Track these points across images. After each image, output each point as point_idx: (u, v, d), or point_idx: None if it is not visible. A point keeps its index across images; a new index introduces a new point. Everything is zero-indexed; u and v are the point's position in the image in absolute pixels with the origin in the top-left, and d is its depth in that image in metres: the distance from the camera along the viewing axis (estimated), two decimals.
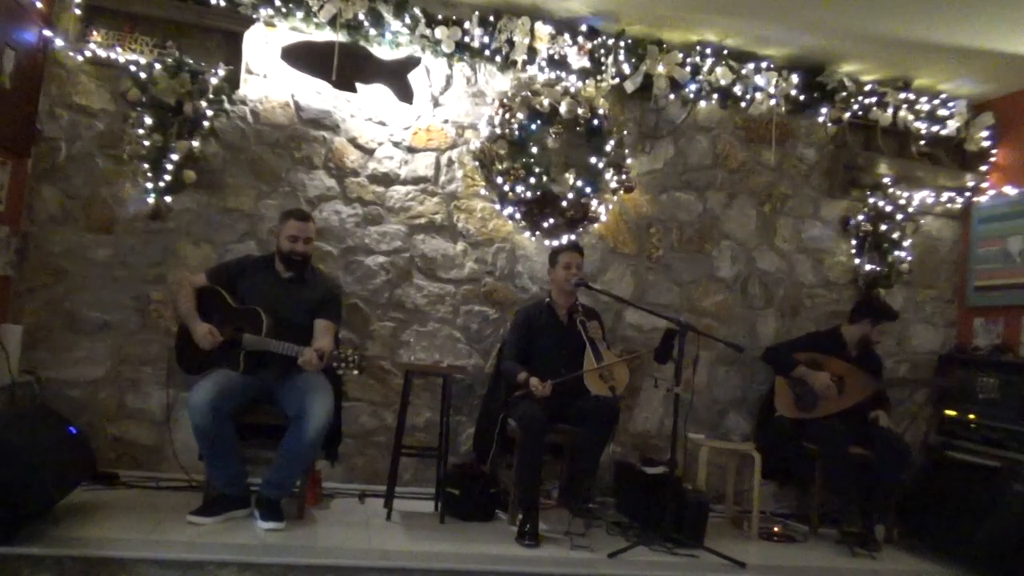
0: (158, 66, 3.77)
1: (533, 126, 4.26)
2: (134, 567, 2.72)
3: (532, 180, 4.20)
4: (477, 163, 4.36)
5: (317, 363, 3.25)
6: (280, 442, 3.32)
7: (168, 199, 3.91)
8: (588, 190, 4.30)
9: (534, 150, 4.26)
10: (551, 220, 4.34)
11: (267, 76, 4.12)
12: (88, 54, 3.83)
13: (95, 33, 3.83)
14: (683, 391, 3.63)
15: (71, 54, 3.84)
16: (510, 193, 4.24)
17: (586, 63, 4.39)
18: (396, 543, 3.25)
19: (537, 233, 4.41)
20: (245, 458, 3.38)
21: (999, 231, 4.83)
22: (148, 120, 3.77)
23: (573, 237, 4.40)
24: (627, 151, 4.50)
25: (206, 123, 3.89)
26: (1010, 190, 4.80)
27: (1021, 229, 4.68)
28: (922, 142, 4.94)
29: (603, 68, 4.42)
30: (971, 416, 4.53)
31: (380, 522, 3.53)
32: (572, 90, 4.33)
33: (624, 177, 4.45)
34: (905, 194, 4.89)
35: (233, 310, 3.44)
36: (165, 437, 3.89)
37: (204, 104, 3.84)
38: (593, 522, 3.68)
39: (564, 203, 4.29)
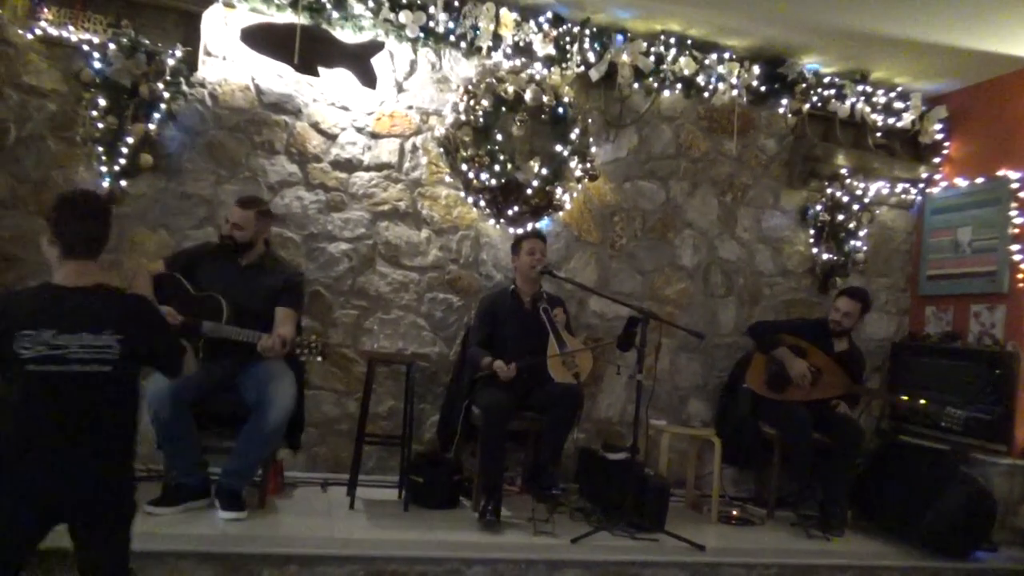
0: (112, 46, 3.67)
1: (498, 113, 4.25)
2: None
3: (497, 168, 4.19)
4: (441, 150, 4.33)
5: (279, 349, 3.21)
6: (241, 431, 3.28)
7: (124, 183, 3.82)
8: (553, 178, 4.31)
9: (499, 137, 4.25)
10: (516, 208, 4.34)
11: (226, 58, 4.03)
12: (39, 32, 3.70)
13: (46, 10, 3.70)
14: (645, 378, 3.67)
15: (20, 32, 3.70)
16: (475, 180, 4.23)
17: (551, 50, 4.38)
18: (359, 532, 3.24)
19: (502, 221, 4.41)
20: (205, 447, 3.33)
21: (950, 222, 4.97)
22: (102, 102, 3.68)
23: (538, 225, 4.41)
24: (591, 139, 4.52)
25: (163, 106, 3.80)
26: (961, 182, 4.94)
27: (971, 220, 4.82)
28: (878, 134, 5.05)
29: (568, 56, 4.42)
30: (922, 402, 4.66)
31: (343, 511, 3.52)
32: (537, 78, 4.33)
33: (588, 165, 4.46)
34: (861, 185, 5.00)
35: (192, 297, 3.37)
36: None
37: (161, 86, 3.75)
38: (556, 508, 3.71)
39: (529, 191, 4.29)
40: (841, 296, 4.39)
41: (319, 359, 3.32)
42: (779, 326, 4.49)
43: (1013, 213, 4.54)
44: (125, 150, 3.72)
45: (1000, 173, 4.65)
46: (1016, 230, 4.53)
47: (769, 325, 4.52)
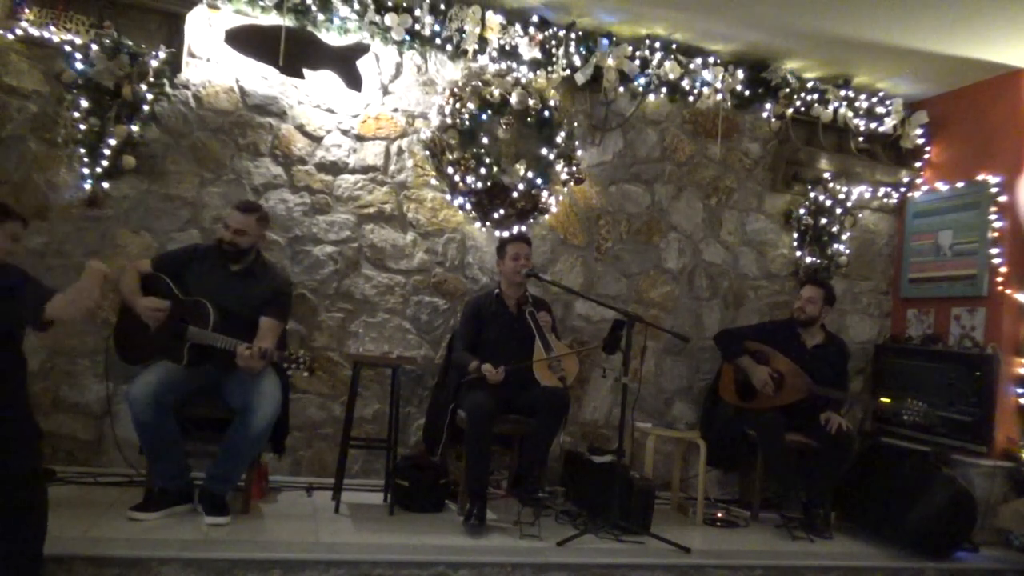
0: (95, 47, 3.63)
1: (484, 116, 4.26)
2: (72, 565, 2.64)
3: (483, 171, 4.19)
4: (427, 153, 4.33)
5: (256, 363, 3.19)
6: (225, 435, 3.25)
7: (106, 185, 3.78)
8: (538, 181, 4.32)
9: (484, 141, 4.25)
10: (501, 211, 4.35)
11: (211, 60, 4.01)
12: (19, 32, 3.66)
13: (27, 11, 3.66)
14: (630, 381, 3.68)
15: (1, 32, 3.66)
16: (460, 183, 4.23)
17: (537, 54, 4.39)
18: (344, 536, 3.22)
19: (487, 224, 4.41)
20: (188, 452, 3.30)
21: (931, 225, 5.02)
22: (84, 103, 3.65)
23: (523, 228, 4.42)
24: (577, 143, 4.53)
25: (146, 107, 3.77)
26: (942, 186, 5.00)
27: (952, 224, 4.87)
28: (860, 138, 5.10)
29: (554, 59, 4.43)
30: (883, 400, 4.70)
31: (328, 515, 3.50)
32: (523, 81, 4.34)
33: (574, 169, 4.47)
34: (844, 189, 5.04)
35: (179, 301, 3.35)
36: (103, 431, 3.78)
37: (144, 87, 3.73)
38: (543, 511, 3.71)
39: (515, 194, 4.29)
40: (804, 284, 4.52)
41: (306, 374, 3.33)
42: (744, 333, 4.52)
43: (992, 217, 4.60)
44: (107, 152, 3.69)
45: (980, 177, 4.71)
46: (996, 234, 4.59)
47: (734, 333, 4.54)
